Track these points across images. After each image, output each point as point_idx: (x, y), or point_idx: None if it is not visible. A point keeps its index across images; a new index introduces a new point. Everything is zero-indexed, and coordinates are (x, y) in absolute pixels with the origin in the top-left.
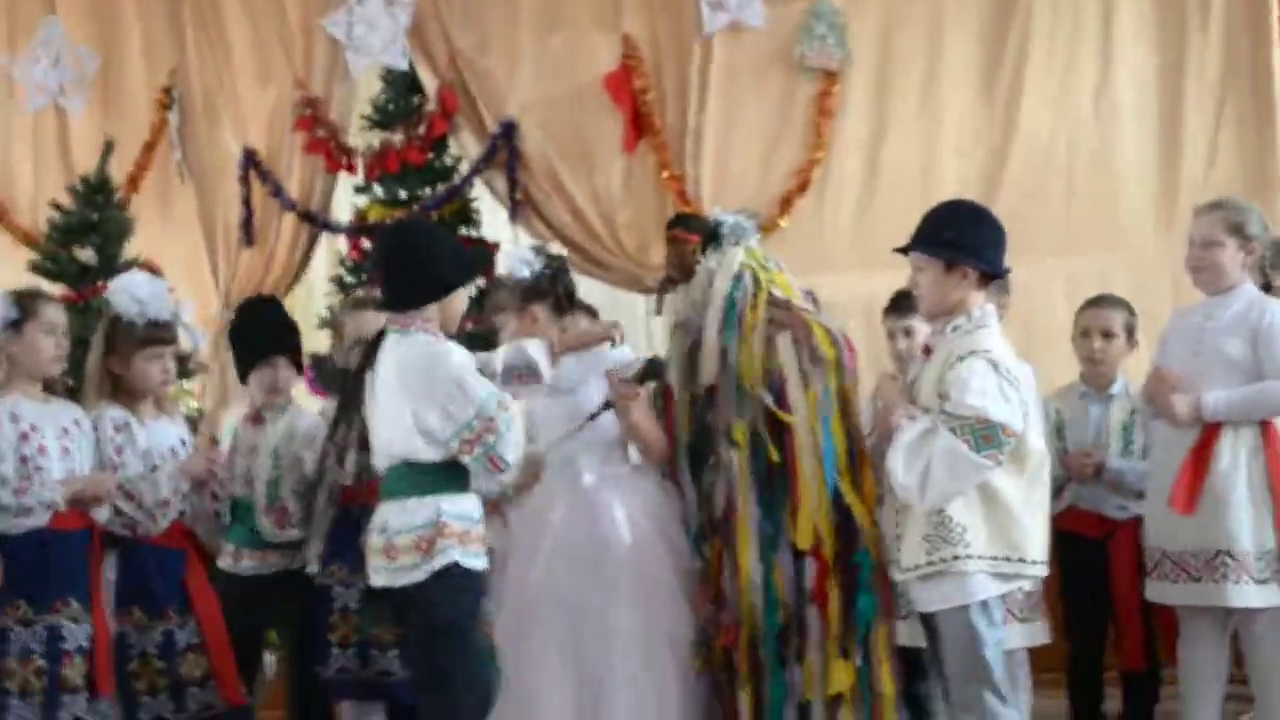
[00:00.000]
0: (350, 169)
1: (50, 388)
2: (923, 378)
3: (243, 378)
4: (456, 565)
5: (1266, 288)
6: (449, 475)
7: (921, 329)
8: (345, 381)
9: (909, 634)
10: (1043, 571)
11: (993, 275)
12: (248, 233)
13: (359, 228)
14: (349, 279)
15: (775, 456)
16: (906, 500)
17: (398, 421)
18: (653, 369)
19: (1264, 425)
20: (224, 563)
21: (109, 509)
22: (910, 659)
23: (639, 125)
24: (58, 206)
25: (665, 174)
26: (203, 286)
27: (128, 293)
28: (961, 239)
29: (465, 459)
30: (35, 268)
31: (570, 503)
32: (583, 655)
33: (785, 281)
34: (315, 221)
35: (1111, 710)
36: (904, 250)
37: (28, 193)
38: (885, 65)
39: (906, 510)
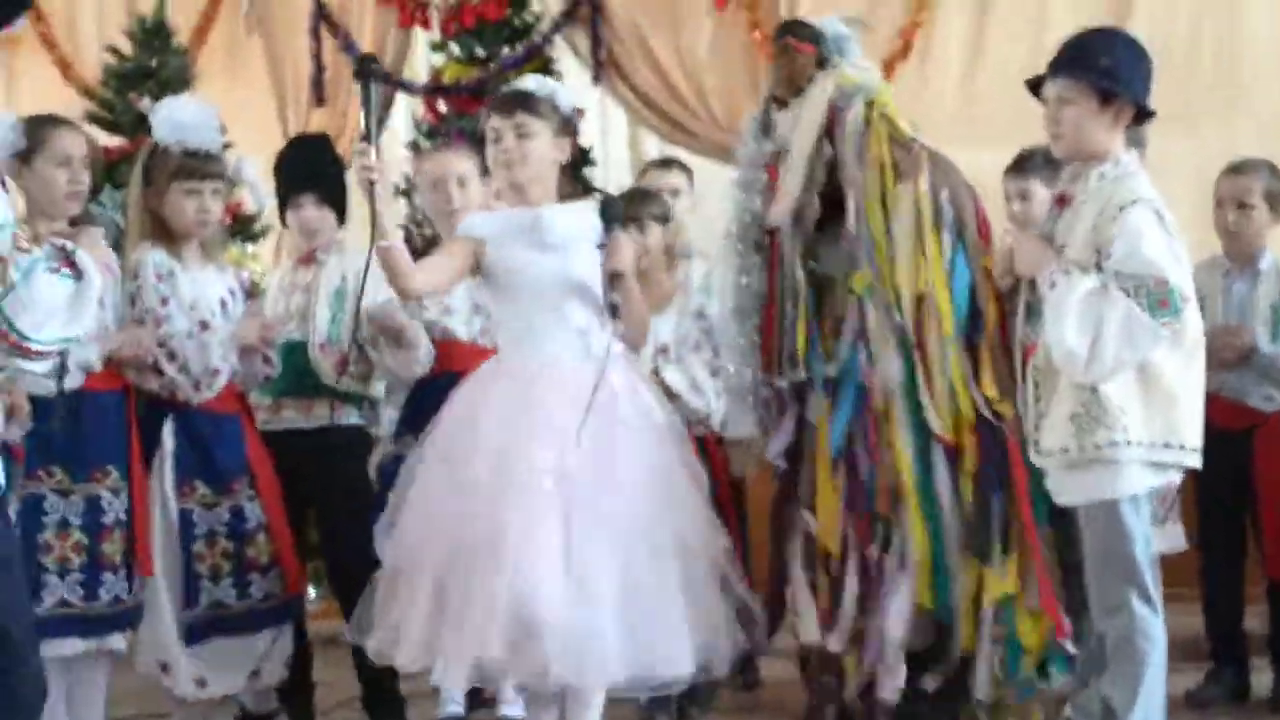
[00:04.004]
0: (425, 24)
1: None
2: (1070, 229)
3: (282, 219)
4: None
5: None
6: None
7: (1040, 192)
8: None
9: None
10: (1198, 461)
11: (1142, 116)
12: (318, 91)
13: (434, 88)
14: (424, 143)
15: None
16: (1068, 371)
17: None
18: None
19: None
20: (259, 419)
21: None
22: None
23: None
24: (115, 51)
25: (757, 34)
26: (272, 147)
27: (168, 116)
28: (1120, 69)
29: None
30: (91, 117)
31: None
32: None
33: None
34: (391, 80)
35: (1254, 630)
36: (1038, 81)
37: (91, 45)
38: None
39: (1049, 383)
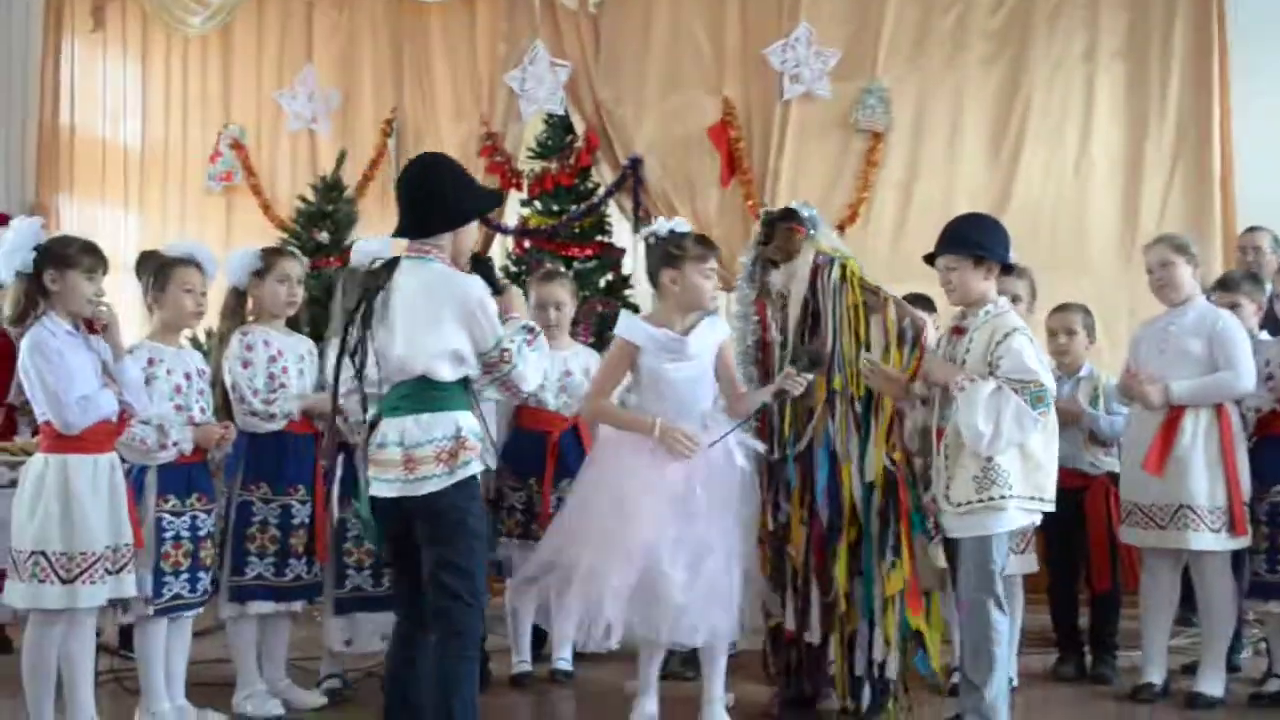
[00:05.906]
0: (518, 187)
1: (294, 325)
2: (968, 351)
3: None
4: (474, 476)
5: None
6: (462, 393)
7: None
8: (359, 306)
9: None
10: (1053, 508)
11: (1005, 269)
12: None
13: (522, 231)
14: (514, 269)
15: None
16: (975, 446)
17: (419, 341)
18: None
19: (1218, 408)
20: None
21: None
22: None
23: (732, 166)
24: (303, 199)
25: (750, 203)
26: None
27: (361, 247)
28: (985, 241)
29: (482, 382)
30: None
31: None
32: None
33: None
34: (491, 225)
35: (1084, 625)
36: (933, 256)
37: (287, 193)
38: (918, 130)
39: (958, 456)
